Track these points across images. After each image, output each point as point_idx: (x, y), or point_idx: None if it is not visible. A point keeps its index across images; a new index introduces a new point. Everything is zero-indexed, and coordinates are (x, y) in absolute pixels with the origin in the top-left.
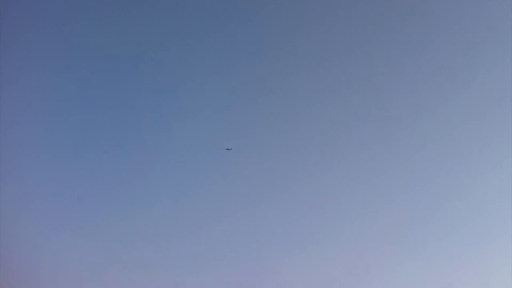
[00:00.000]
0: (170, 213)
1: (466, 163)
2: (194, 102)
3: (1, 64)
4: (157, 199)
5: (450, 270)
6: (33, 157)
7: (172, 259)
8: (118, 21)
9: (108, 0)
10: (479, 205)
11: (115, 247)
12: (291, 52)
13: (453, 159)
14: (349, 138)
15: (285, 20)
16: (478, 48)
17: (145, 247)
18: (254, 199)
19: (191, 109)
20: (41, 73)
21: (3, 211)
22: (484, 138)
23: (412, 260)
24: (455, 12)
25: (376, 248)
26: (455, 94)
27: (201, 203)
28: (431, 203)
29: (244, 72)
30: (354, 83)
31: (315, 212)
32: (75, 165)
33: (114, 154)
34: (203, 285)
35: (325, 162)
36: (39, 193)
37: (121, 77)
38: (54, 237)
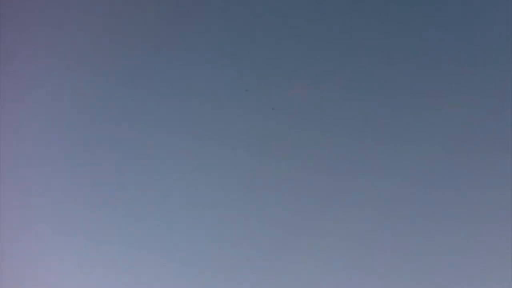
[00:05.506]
0: (176, 213)
1: (468, 163)
2: (207, 105)
3: (1, 63)
4: (161, 200)
5: (450, 271)
6: (35, 156)
7: (173, 259)
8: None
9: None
10: (479, 206)
11: (117, 247)
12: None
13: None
14: (349, 138)
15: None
16: (480, 46)
17: (147, 247)
18: (254, 198)
19: (199, 112)
20: (45, 72)
21: (3, 211)
22: (484, 138)
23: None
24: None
25: (376, 249)
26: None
27: (204, 203)
28: (432, 203)
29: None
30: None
31: (316, 213)
32: (78, 165)
33: (117, 154)
34: (202, 285)
35: (325, 161)
36: (40, 192)
37: (131, 77)
38: (54, 237)
